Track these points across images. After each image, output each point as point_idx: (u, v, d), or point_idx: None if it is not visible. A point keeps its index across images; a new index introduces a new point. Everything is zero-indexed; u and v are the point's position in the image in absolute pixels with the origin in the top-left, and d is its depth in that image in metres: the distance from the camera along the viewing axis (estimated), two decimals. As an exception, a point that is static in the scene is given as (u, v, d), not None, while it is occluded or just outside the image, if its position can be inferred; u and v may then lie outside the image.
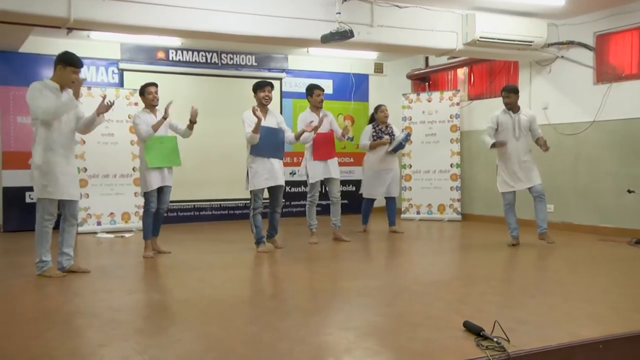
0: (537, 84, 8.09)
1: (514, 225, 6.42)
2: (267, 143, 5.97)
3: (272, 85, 6.13)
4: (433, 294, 4.27)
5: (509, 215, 6.43)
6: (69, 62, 4.80)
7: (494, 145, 6.31)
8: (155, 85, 5.94)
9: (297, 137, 6.29)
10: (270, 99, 6.09)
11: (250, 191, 6.06)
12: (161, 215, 6.06)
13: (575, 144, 7.58)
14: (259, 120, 5.79)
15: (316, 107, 6.67)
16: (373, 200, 7.70)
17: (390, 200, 7.65)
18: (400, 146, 7.47)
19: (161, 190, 5.93)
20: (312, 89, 6.71)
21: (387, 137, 7.43)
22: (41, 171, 4.75)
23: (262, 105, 6.03)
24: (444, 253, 6.52)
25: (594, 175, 7.40)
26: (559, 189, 7.69)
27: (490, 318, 3.26)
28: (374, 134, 7.46)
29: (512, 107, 6.34)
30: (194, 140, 6.26)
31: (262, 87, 6.04)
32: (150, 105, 5.89)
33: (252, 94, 6.11)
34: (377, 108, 7.58)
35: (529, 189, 6.33)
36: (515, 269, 5.58)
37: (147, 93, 5.88)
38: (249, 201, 6.18)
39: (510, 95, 6.31)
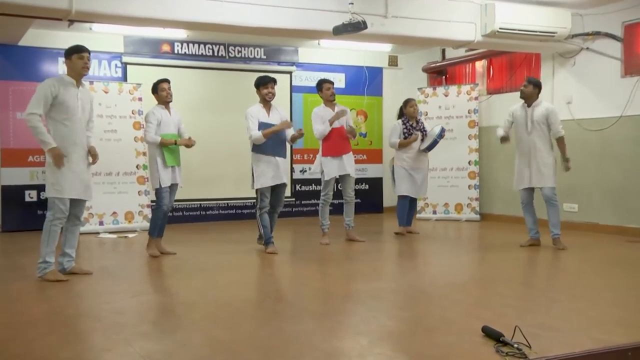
0: (560, 77, 7.83)
1: (530, 226, 6.24)
2: (271, 140, 5.86)
3: (275, 81, 6.01)
4: (450, 297, 4.21)
5: (526, 214, 6.26)
6: (71, 51, 4.84)
7: (502, 139, 6.26)
8: (167, 81, 5.91)
9: (293, 140, 6.15)
10: (274, 95, 5.97)
11: (256, 190, 5.96)
12: (166, 214, 5.94)
13: (601, 140, 7.33)
14: (274, 131, 5.75)
15: (330, 102, 6.56)
16: (408, 198, 7.24)
17: (412, 201, 7.38)
18: (435, 143, 7.02)
19: (169, 189, 5.85)
20: (321, 84, 6.60)
21: (418, 133, 7.10)
22: (50, 169, 4.70)
23: (265, 102, 5.93)
24: (462, 254, 6.36)
25: (621, 173, 7.14)
26: (584, 187, 7.45)
27: (510, 322, 3.17)
28: (405, 130, 7.09)
29: (526, 98, 6.14)
30: (200, 136, 6.15)
31: (265, 83, 5.91)
32: (164, 101, 5.86)
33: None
34: (407, 102, 7.20)
35: (540, 189, 6.11)
36: (536, 272, 5.48)
37: (161, 90, 5.85)
38: (255, 200, 6.06)
39: (528, 85, 6.13)
